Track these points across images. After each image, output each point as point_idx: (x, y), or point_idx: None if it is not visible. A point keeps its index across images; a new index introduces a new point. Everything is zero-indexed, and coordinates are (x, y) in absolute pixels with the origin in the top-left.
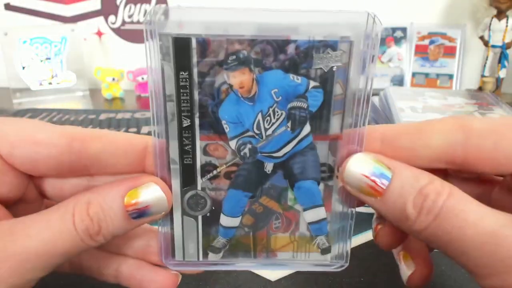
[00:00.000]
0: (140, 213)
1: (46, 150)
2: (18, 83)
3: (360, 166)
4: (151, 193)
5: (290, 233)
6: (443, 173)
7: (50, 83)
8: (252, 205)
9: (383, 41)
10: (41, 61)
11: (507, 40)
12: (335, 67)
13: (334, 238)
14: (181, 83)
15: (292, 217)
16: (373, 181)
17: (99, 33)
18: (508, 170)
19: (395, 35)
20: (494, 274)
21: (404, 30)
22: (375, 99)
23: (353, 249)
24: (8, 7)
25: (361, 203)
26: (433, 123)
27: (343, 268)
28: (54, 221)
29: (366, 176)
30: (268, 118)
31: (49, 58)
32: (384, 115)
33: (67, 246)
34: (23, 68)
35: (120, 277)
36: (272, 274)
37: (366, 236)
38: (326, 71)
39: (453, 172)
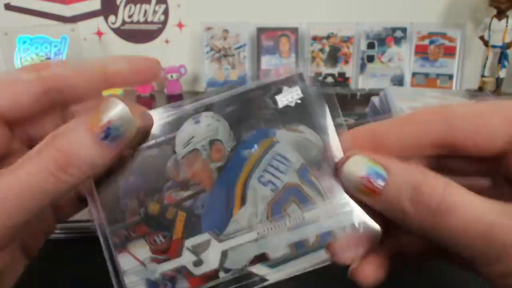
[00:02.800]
0: (106, 131)
1: (24, 87)
2: None
3: (356, 168)
4: (111, 106)
5: None
6: (438, 163)
7: None
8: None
9: (383, 41)
10: (41, 61)
11: (507, 40)
12: None
13: None
14: None
15: None
16: (370, 181)
17: (99, 33)
18: (490, 151)
19: (395, 35)
20: (494, 262)
21: (404, 30)
22: (375, 99)
23: None
24: (8, 7)
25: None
26: (418, 113)
27: None
28: (22, 161)
29: (363, 178)
30: None
31: (49, 58)
32: (384, 115)
33: (38, 182)
34: None
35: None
36: (272, 274)
37: None
38: None
39: (445, 158)
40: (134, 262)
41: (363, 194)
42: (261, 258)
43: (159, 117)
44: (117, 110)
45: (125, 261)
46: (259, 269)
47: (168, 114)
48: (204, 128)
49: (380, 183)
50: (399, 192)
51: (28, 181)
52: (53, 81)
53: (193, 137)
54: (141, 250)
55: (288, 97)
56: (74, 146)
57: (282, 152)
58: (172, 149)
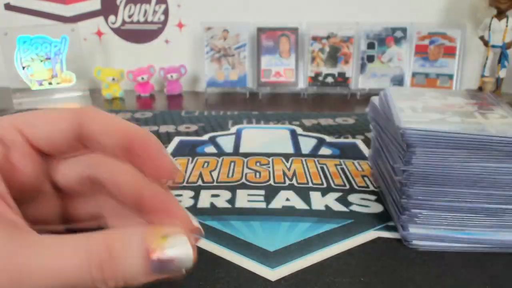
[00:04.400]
0: (162, 265)
1: (58, 126)
2: (18, 83)
3: None
4: (178, 244)
5: None
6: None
7: (50, 83)
8: None
9: (383, 41)
10: (41, 61)
11: (507, 40)
12: None
13: None
14: None
15: None
16: None
17: (99, 33)
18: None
19: (395, 35)
20: None
21: (404, 30)
22: (375, 99)
23: (353, 249)
24: (8, 7)
25: None
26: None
27: None
28: (67, 244)
29: None
30: None
31: (49, 58)
32: (384, 115)
33: (73, 274)
34: (23, 68)
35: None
36: (273, 274)
37: (366, 236)
38: None
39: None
40: None
41: None
42: None
43: None
44: (183, 251)
45: None
46: None
47: None
48: None
49: None
50: None
51: (61, 265)
52: (84, 127)
53: None
54: None
55: None
56: (124, 258)
57: None
58: None
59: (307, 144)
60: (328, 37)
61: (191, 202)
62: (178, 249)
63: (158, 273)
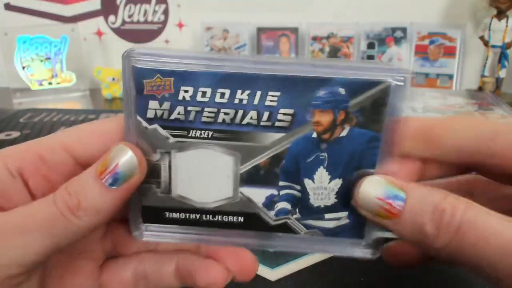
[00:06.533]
0: (112, 177)
1: (97, 139)
2: (18, 83)
3: (373, 189)
4: (118, 152)
5: None
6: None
7: (50, 83)
8: None
9: (383, 41)
10: (41, 61)
11: (507, 40)
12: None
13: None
14: None
15: None
16: (388, 203)
17: (99, 33)
18: None
19: (395, 35)
20: None
21: (404, 30)
22: None
23: None
24: (8, 7)
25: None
26: (463, 117)
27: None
28: (38, 201)
29: (380, 199)
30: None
31: (49, 58)
32: None
33: (47, 219)
34: (23, 68)
35: (179, 274)
36: (273, 274)
37: None
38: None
39: (477, 170)
40: None
41: (381, 216)
42: None
43: None
44: (124, 157)
45: None
46: None
47: None
48: None
49: (398, 204)
50: (419, 213)
51: (33, 214)
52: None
53: None
54: None
55: None
56: (84, 191)
57: None
58: None
59: None
60: (328, 37)
61: None
62: (119, 155)
63: (115, 184)
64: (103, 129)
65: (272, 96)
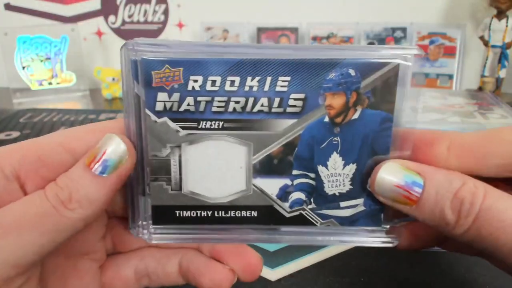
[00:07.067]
0: (102, 164)
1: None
2: (18, 83)
3: (390, 177)
4: (105, 141)
5: None
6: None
7: (50, 83)
8: None
9: (383, 41)
10: (41, 61)
11: (507, 40)
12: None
13: None
14: None
15: None
16: (406, 190)
17: (99, 33)
18: None
19: (395, 35)
20: None
21: (404, 30)
22: None
23: (353, 249)
24: (8, 7)
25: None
26: (501, 131)
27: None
28: (25, 198)
29: (398, 186)
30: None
31: (49, 58)
32: None
33: (41, 216)
34: (23, 68)
35: (182, 273)
36: (273, 274)
37: None
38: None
39: None
40: None
41: (400, 203)
42: None
43: None
44: (113, 145)
45: None
46: None
47: None
48: None
49: (416, 190)
50: (438, 199)
51: (26, 210)
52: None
53: None
54: None
55: None
56: (72, 182)
57: None
58: None
59: None
60: (328, 37)
61: None
62: (107, 143)
63: (105, 172)
64: (103, 127)
65: (283, 81)
